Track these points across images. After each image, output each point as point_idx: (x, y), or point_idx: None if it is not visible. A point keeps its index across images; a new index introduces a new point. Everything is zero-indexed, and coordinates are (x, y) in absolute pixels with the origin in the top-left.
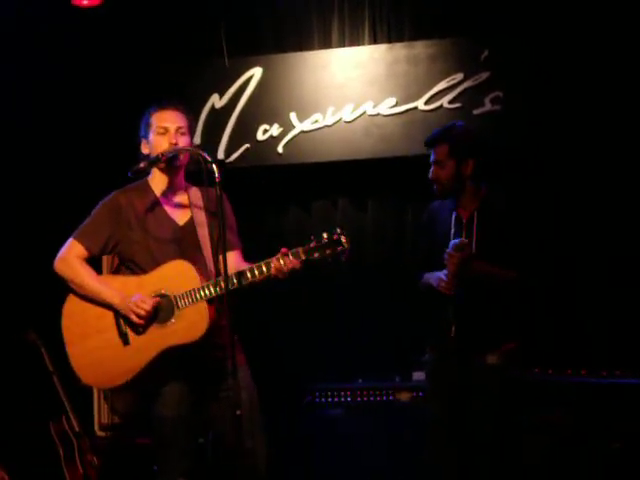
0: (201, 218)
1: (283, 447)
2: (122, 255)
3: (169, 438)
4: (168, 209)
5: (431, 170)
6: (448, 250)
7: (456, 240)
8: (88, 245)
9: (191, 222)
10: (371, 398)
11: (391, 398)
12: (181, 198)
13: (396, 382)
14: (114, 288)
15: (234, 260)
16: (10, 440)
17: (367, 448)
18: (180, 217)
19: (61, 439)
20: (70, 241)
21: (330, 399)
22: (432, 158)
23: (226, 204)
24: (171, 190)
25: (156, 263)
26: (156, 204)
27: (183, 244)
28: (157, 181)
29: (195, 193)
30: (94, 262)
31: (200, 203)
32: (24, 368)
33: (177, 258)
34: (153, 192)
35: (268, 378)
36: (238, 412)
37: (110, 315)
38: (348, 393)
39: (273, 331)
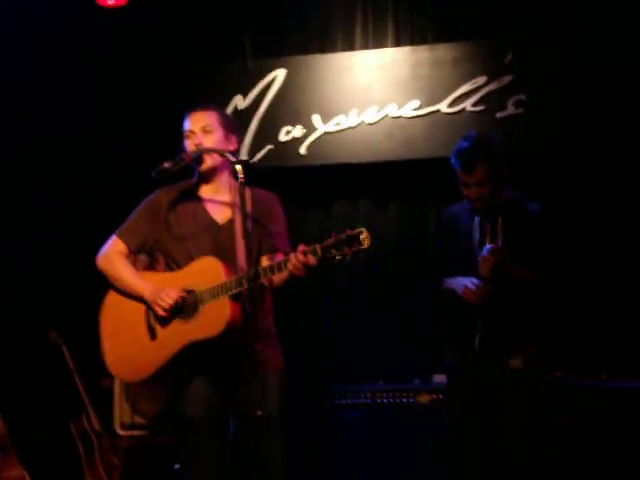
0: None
1: (301, 449)
2: (162, 253)
3: (196, 437)
4: (209, 208)
5: (471, 191)
6: (483, 254)
7: (489, 245)
8: (128, 241)
9: (231, 221)
10: (391, 400)
11: (411, 400)
12: (225, 198)
13: (416, 384)
14: (149, 282)
15: (271, 261)
16: (31, 439)
17: (386, 450)
18: (221, 216)
19: (81, 438)
20: (112, 237)
21: (350, 400)
22: (470, 179)
23: (277, 207)
24: (215, 189)
25: (192, 260)
26: (197, 203)
27: (221, 243)
28: (201, 181)
29: (243, 193)
30: None
31: (246, 203)
32: (45, 366)
33: (212, 255)
34: (196, 191)
35: (287, 379)
36: (259, 412)
37: (142, 310)
38: (368, 395)
39: (293, 331)
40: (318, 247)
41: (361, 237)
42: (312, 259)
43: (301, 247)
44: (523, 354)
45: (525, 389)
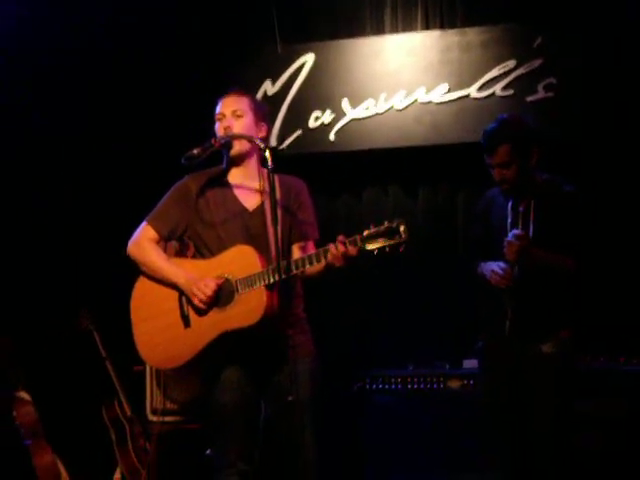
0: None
1: (332, 434)
2: (193, 239)
3: (228, 423)
4: (239, 194)
5: (495, 172)
6: (508, 239)
7: (516, 230)
8: (159, 228)
9: (261, 208)
10: (421, 385)
11: (441, 386)
12: (254, 184)
13: (447, 369)
14: (182, 269)
15: (303, 249)
16: (63, 425)
17: (417, 435)
18: (250, 203)
19: (113, 424)
20: (143, 224)
21: (380, 386)
22: (493, 161)
23: (305, 194)
24: (243, 176)
25: (224, 247)
26: (227, 189)
27: (252, 230)
28: (230, 167)
29: (273, 180)
30: None
31: (276, 190)
32: (77, 352)
33: (244, 243)
34: (225, 177)
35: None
36: (290, 398)
37: (175, 297)
38: (399, 380)
39: (323, 317)
40: (358, 237)
41: (400, 229)
42: (352, 249)
43: (341, 237)
44: (555, 339)
45: (557, 374)
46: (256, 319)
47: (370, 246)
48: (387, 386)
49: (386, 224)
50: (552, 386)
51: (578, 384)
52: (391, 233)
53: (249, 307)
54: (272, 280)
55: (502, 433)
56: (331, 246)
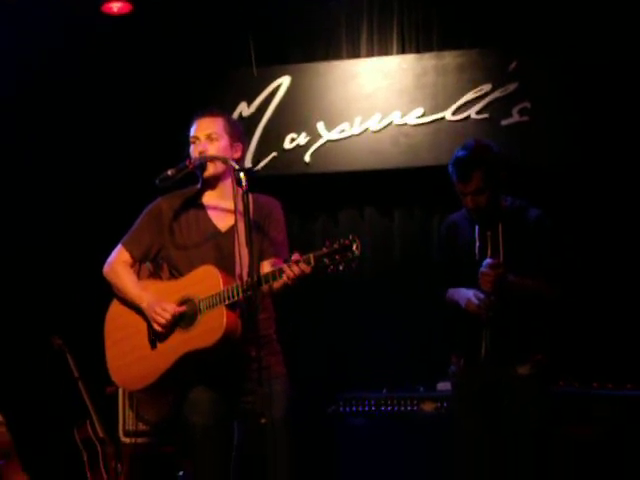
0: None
1: (306, 456)
2: (166, 260)
3: (198, 443)
4: (212, 215)
5: (468, 200)
6: (482, 269)
7: (489, 260)
8: (132, 251)
9: (233, 229)
10: (395, 408)
11: (415, 408)
12: (227, 204)
13: (420, 392)
14: (149, 292)
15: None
16: (34, 446)
17: (390, 458)
18: (224, 224)
19: (85, 445)
20: (118, 247)
21: (354, 408)
22: (466, 189)
23: (278, 213)
24: (218, 197)
25: (194, 269)
26: (201, 210)
27: (223, 250)
28: (204, 188)
29: (247, 201)
30: None
31: (249, 211)
32: (49, 373)
33: (214, 263)
34: (200, 198)
35: (291, 386)
36: (263, 420)
37: (144, 319)
38: (372, 402)
39: (297, 339)
40: (312, 256)
41: (353, 246)
42: (306, 268)
43: (295, 256)
44: (531, 361)
45: (534, 395)
46: (215, 339)
47: (323, 264)
48: (361, 408)
49: (340, 241)
50: (530, 407)
51: (552, 407)
52: (344, 250)
53: (209, 328)
54: (232, 300)
55: (476, 456)
56: (285, 266)
